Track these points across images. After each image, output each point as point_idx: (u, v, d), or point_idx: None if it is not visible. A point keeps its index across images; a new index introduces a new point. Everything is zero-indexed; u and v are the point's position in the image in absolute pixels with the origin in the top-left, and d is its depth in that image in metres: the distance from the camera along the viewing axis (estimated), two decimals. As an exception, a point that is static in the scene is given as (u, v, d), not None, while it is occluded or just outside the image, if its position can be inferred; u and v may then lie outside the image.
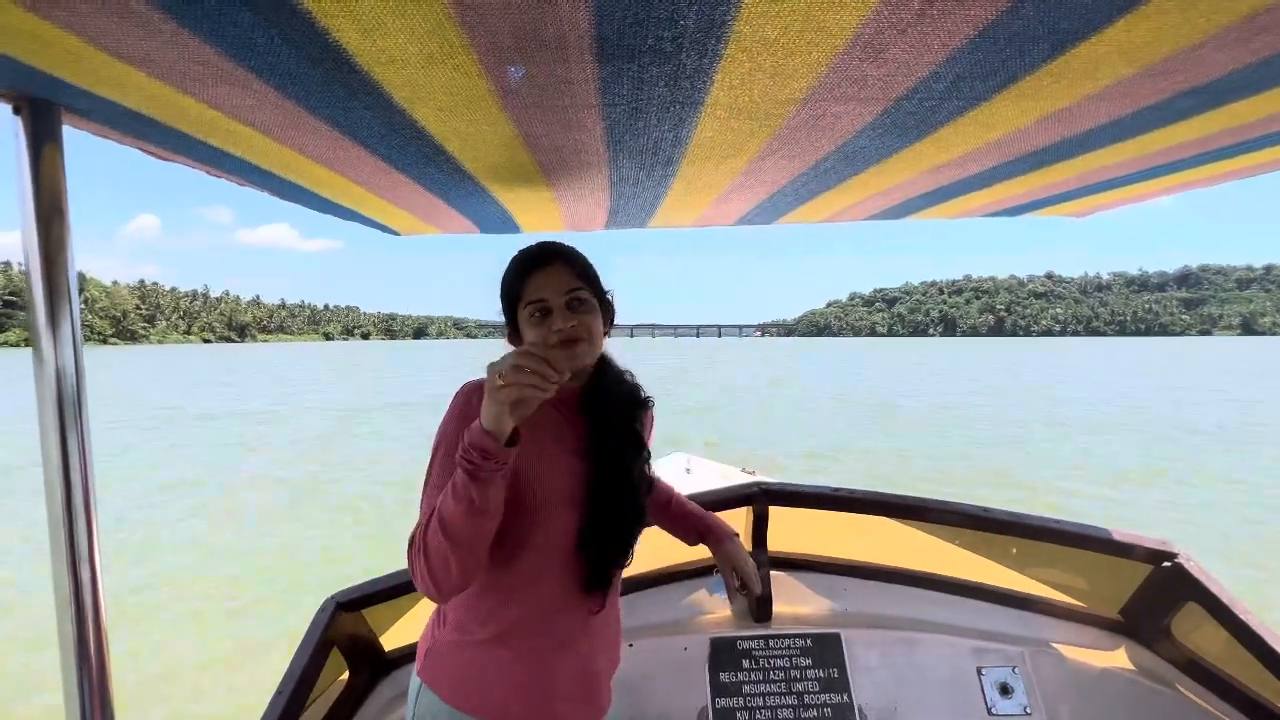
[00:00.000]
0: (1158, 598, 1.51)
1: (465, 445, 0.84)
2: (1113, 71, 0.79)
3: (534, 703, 0.97)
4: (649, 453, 1.11)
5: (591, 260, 1.06)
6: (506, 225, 1.76)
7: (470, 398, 0.96)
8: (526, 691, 0.97)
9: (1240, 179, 1.37)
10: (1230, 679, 1.38)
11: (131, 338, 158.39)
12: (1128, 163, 1.22)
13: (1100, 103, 0.90)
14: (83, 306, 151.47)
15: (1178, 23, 0.67)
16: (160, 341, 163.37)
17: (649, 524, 1.22)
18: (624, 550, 1.03)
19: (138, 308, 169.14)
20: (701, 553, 1.33)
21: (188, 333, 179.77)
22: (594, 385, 1.07)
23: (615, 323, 1.11)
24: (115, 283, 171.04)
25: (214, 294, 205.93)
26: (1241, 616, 1.32)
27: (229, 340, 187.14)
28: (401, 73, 0.76)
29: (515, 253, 1.04)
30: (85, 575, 0.79)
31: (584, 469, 1.01)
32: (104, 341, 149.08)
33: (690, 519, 1.30)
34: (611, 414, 1.05)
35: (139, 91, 0.78)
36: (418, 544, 0.90)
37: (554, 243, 1.04)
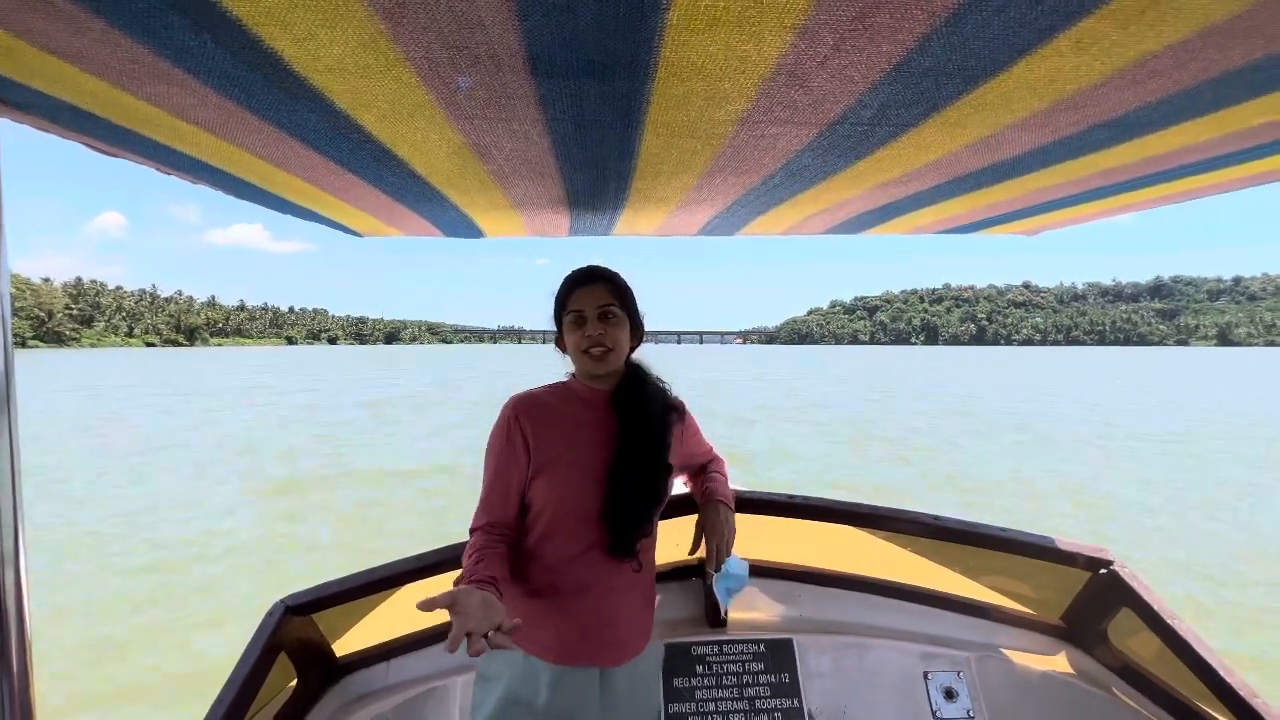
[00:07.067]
0: (1096, 604, 1.55)
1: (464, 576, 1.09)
2: (1026, 105, 0.84)
3: (566, 643, 1.17)
4: (669, 445, 1.26)
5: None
6: (469, 229, 1.76)
7: (513, 413, 1.20)
8: (560, 634, 1.17)
9: (1178, 203, 1.41)
10: (1160, 682, 1.42)
11: (58, 340, 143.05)
12: (1063, 186, 1.25)
13: (1022, 132, 0.95)
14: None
15: (1074, 65, 0.72)
16: (94, 345, 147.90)
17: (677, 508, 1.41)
18: (641, 523, 1.20)
19: (68, 308, 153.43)
20: (661, 557, 1.38)
21: (129, 335, 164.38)
22: (623, 388, 1.26)
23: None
24: (47, 280, 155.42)
25: (167, 294, 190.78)
26: (1170, 622, 1.36)
27: (175, 344, 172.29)
28: (341, 80, 0.76)
29: (569, 272, 1.28)
30: (9, 578, 0.75)
31: (608, 457, 1.19)
32: (22, 345, 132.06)
33: (701, 481, 1.42)
34: (637, 413, 1.23)
35: (76, 87, 0.77)
36: (467, 553, 1.14)
37: (599, 266, 1.27)
